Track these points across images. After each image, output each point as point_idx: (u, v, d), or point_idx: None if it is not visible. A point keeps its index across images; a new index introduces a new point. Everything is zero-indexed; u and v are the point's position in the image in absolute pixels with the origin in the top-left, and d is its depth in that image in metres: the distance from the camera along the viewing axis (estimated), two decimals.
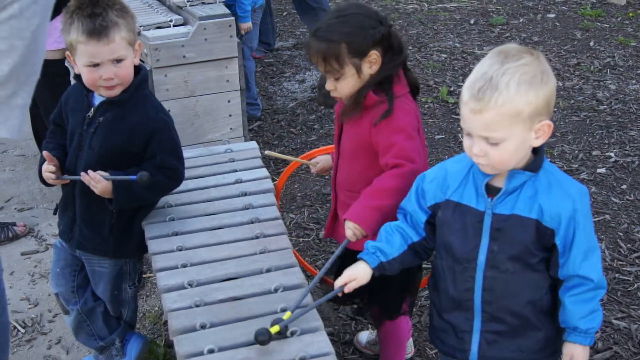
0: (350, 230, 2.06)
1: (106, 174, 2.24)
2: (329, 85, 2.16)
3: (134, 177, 2.20)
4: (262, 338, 1.78)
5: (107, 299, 2.59)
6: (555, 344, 1.89)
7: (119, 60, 2.21)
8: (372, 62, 2.11)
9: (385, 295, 2.32)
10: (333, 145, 2.40)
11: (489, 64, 1.68)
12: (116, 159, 2.29)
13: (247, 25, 4.62)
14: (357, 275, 1.90)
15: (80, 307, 2.61)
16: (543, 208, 1.73)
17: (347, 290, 1.91)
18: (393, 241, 1.93)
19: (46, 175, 2.32)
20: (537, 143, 1.71)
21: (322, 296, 2.00)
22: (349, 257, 2.07)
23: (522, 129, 1.66)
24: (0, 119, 1.48)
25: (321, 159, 2.58)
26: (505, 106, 1.63)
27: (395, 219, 1.99)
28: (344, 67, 2.09)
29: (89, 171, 2.25)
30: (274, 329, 1.80)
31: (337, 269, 2.21)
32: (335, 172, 2.36)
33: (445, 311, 1.93)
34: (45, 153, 2.32)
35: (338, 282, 1.92)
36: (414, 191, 1.94)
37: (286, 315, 1.85)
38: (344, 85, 2.13)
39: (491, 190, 1.79)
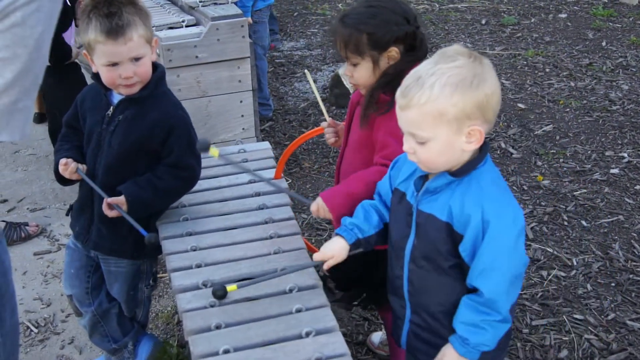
0: (317, 206, 2.12)
1: (123, 211, 2.25)
2: (347, 70, 2.19)
3: (145, 232, 2.20)
4: (220, 293, 1.91)
5: (123, 299, 2.58)
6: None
7: (137, 59, 2.20)
8: (391, 58, 2.12)
9: (369, 283, 2.35)
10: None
11: (425, 64, 1.69)
12: (135, 157, 2.29)
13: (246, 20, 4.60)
14: (334, 252, 1.93)
15: (95, 308, 2.61)
16: (453, 212, 1.72)
17: (326, 267, 1.95)
18: (371, 219, 1.97)
19: (63, 168, 2.32)
20: (470, 147, 1.68)
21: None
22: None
23: (447, 131, 1.65)
24: (2, 124, 1.48)
25: (340, 124, 2.53)
26: (427, 105, 1.63)
27: None
28: (363, 57, 2.11)
29: (107, 200, 2.26)
30: (231, 288, 1.92)
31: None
32: (340, 160, 2.37)
33: (389, 294, 1.98)
34: (61, 161, 2.32)
35: (316, 257, 1.95)
36: (388, 173, 1.98)
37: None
38: (359, 74, 2.15)
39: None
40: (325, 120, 2.50)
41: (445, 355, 1.80)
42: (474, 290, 1.77)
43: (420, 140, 1.68)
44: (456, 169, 1.73)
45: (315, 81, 5.56)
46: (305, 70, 2.71)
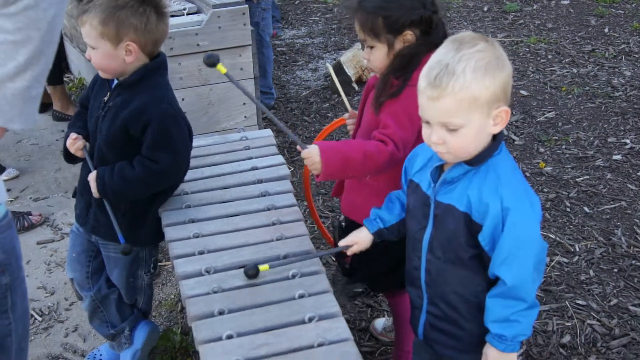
0: (308, 154, 2.08)
1: (109, 207, 2.33)
2: (365, 53, 2.20)
3: (122, 239, 2.29)
4: (251, 272, 1.95)
5: (122, 286, 2.60)
6: None
7: (93, 48, 2.23)
8: (407, 42, 2.12)
9: (371, 269, 2.40)
10: None
11: (444, 52, 1.67)
12: (122, 143, 2.30)
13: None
14: (358, 239, 2.04)
15: (94, 293, 2.62)
16: (472, 202, 1.71)
17: (350, 252, 2.06)
18: (393, 209, 2.03)
19: (71, 142, 2.37)
20: (496, 130, 1.68)
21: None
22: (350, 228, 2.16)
23: (480, 115, 1.64)
24: (15, 113, 1.49)
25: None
26: (462, 92, 1.61)
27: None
28: (379, 40, 2.12)
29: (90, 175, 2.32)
30: (263, 267, 1.95)
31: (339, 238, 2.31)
32: (353, 139, 2.37)
33: (407, 284, 1.99)
34: (72, 135, 2.38)
35: (342, 242, 2.06)
36: (404, 167, 1.99)
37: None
38: (375, 57, 2.16)
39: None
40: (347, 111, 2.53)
41: (487, 356, 1.79)
42: (493, 283, 1.76)
43: (454, 127, 1.65)
44: (472, 157, 1.72)
45: (316, 70, 5.55)
46: (327, 64, 2.72)
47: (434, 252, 1.82)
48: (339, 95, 2.65)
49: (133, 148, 2.29)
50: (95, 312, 2.66)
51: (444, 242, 1.79)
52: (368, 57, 2.18)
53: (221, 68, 2.12)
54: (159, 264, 3.37)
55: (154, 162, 2.27)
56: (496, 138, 1.74)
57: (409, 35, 2.11)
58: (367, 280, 2.56)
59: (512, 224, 1.67)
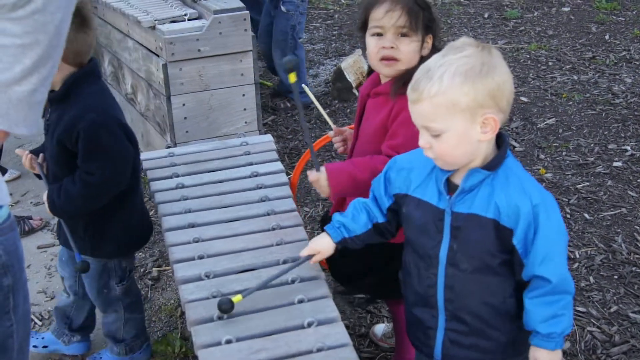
0: (316, 177, 2.12)
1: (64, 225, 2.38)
2: (389, 41, 2.11)
3: (79, 257, 2.34)
4: (225, 307, 1.86)
5: (94, 297, 2.62)
6: (519, 347, 1.86)
7: None
8: (427, 44, 2.14)
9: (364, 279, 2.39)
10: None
11: (433, 57, 1.69)
12: (65, 159, 2.30)
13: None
14: (320, 248, 1.97)
15: (79, 297, 2.72)
16: (500, 207, 1.69)
17: (312, 262, 1.99)
18: (359, 219, 1.95)
19: (23, 159, 2.43)
20: (485, 137, 1.67)
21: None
22: None
23: (461, 121, 1.64)
24: (20, 118, 1.49)
25: (348, 130, 2.51)
26: (438, 97, 1.62)
27: (364, 195, 2.02)
28: (416, 32, 2.10)
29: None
30: (236, 299, 1.88)
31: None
32: (351, 154, 2.35)
33: (413, 306, 1.93)
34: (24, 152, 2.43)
35: (303, 253, 1.99)
36: (383, 175, 1.94)
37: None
38: (406, 47, 2.11)
39: (452, 188, 1.76)
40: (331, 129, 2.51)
41: (537, 359, 1.77)
42: (520, 286, 1.76)
43: (435, 132, 1.66)
44: (483, 162, 1.71)
45: (315, 76, 5.56)
46: (303, 85, 2.72)
47: (457, 265, 1.77)
48: (322, 109, 2.64)
49: (73, 163, 2.28)
50: (68, 309, 2.76)
51: (470, 253, 1.75)
52: (396, 45, 2.10)
53: (292, 77, 2.11)
54: (159, 269, 3.37)
55: (90, 174, 2.25)
56: (501, 143, 1.74)
57: (430, 39, 2.13)
58: (364, 290, 2.55)
59: (545, 220, 1.67)
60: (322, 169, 2.12)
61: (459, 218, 1.74)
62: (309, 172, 2.16)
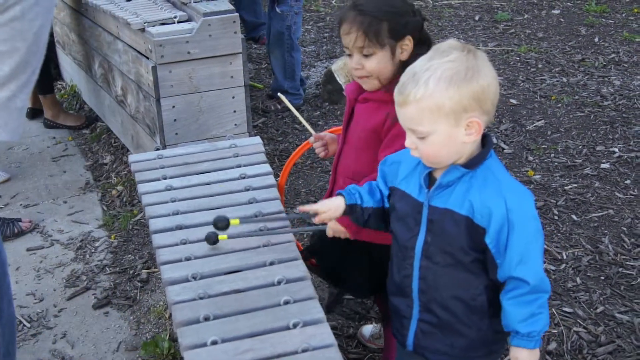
0: (332, 231, 2.16)
1: None
2: (355, 62, 2.13)
3: None
4: (221, 224, 1.95)
5: None
6: (491, 346, 1.89)
7: None
8: (404, 48, 2.12)
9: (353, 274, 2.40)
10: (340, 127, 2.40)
11: (420, 60, 1.71)
12: None
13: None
14: (331, 206, 1.97)
15: None
16: (474, 205, 1.72)
17: (317, 220, 2.00)
18: (374, 194, 1.98)
19: None
20: (469, 139, 1.70)
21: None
22: (329, 239, 2.20)
23: (446, 125, 1.67)
24: (1, 122, 1.50)
25: (328, 135, 2.52)
26: (424, 101, 1.65)
27: None
28: (382, 46, 2.09)
29: None
30: (234, 221, 1.92)
31: (318, 248, 2.41)
32: (338, 157, 2.35)
33: (392, 295, 1.97)
34: None
35: (309, 208, 2.00)
36: (380, 173, 1.99)
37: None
38: (373, 64, 2.11)
39: (432, 183, 1.80)
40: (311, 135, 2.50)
41: (517, 359, 1.79)
42: (492, 284, 1.78)
43: (420, 135, 1.70)
44: (466, 160, 1.74)
45: (306, 78, 5.57)
46: (279, 94, 2.75)
47: (431, 258, 1.82)
48: (300, 116, 2.66)
49: None
50: None
51: (443, 247, 1.79)
52: (361, 66, 2.12)
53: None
54: (148, 271, 3.38)
55: None
56: (485, 143, 1.77)
57: (407, 41, 2.11)
58: (354, 289, 2.57)
59: (520, 225, 1.70)
60: (332, 223, 2.13)
61: (435, 212, 1.78)
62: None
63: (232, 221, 2.00)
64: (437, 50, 1.71)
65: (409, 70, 1.72)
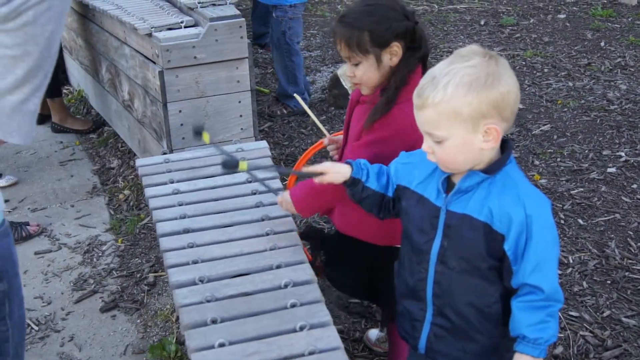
0: (282, 199, 2.28)
1: None
2: (348, 71, 2.19)
3: None
4: (231, 163, 1.98)
5: None
6: (503, 353, 1.86)
7: None
8: (393, 54, 2.12)
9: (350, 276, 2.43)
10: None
11: (441, 64, 1.70)
12: None
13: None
14: (337, 169, 1.97)
15: None
16: (493, 211, 1.71)
17: (317, 181, 1.99)
18: (381, 178, 1.96)
19: None
20: (487, 146, 1.68)
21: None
22: (332, 240, 2.28)
23: (463, 131, 1.66)
24: (13, 127, 1.52)
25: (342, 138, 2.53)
26: (441, 105, 1.64)
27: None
28: (365, 55, 2.11)
29: None
30: (243, 165, 1.98)
31: (319, 249, 2.44)
32: (340, 157, 2.38)
33: (403, 297, 1.96)
34: None
35: (314, 168, 1.99)
36: (393, 165, 1.97)
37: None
38: (362, 73, 2.15)
39: (451, 187, 1.79)
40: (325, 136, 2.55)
41: None
42: (507, 292, 1.77)
43: (437, 139, 1.69)
44: (486, 166, 1.73)
45: (312, 83, 5.59)
46: (295, 95, 2.76)
47: (446, 263, 1.80)
48: (315, 117, 2.67)
49: None
50: None
51: (460, 252, 1.77)
52: (353, 74, 2.17)
53: (205, 137, 2.25)
54: (155, 274, 3.39)
55: None
56: (505, 148, 1.75)
57: (395, 47, 2.11)
58: (359, 294, 2.57)
59: (538, 232, 1.68)
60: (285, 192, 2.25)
61: (452, 217, 1.77)
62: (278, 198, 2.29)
63: (241, 164, 2.01)
64: (458, 55, 1.70)
65: (429, 73, 1.70)
